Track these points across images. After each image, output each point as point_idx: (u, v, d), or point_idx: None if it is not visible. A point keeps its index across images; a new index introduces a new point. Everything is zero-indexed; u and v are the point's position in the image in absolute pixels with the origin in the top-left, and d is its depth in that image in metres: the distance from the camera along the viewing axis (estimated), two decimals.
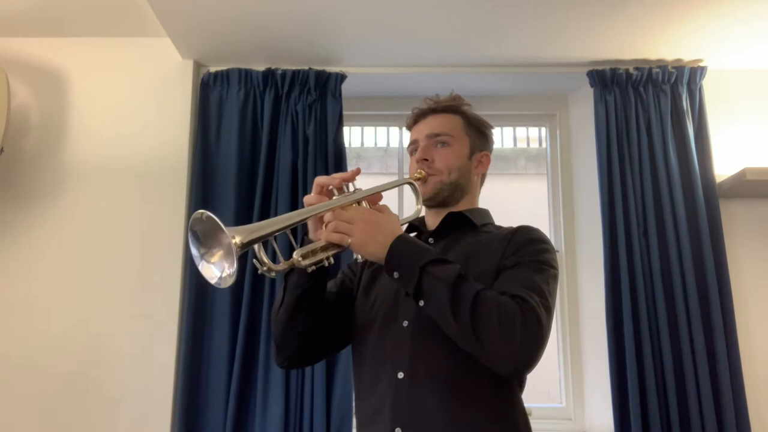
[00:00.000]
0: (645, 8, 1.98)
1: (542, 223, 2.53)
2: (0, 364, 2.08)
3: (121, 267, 2.15)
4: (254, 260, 1.03)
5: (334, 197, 1.14)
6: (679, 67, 2.27)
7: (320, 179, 1.16)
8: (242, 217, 2.17)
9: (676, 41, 2.19)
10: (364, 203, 1.16)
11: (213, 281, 0.99)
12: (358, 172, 1.17)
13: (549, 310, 1.08)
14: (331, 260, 1.11)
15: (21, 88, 2.30)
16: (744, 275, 2.18)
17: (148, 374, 2.07)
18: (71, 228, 2.19)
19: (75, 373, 2.07)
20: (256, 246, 1.01)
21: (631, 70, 2.28)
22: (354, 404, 1.28)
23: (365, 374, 1.22)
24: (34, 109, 2.30)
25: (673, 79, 2.26)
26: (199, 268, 1.00)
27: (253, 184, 2.21)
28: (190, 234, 1.00)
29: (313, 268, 1.09)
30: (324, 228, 1.10)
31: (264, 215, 2.17)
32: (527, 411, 1.19)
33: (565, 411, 2.33)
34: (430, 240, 1.30)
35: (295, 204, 2.18)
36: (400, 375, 1.13)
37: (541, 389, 2.47)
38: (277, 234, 1.03)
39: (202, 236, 0.99)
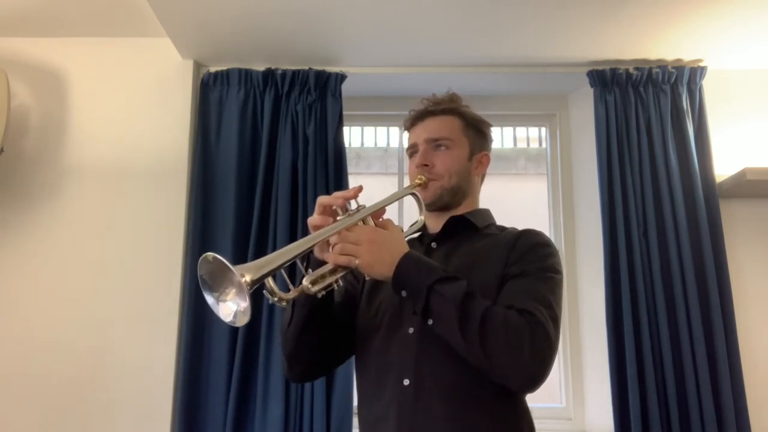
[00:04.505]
0: (645, 8, 1.98)
1: (542, 223, 2.52)
2: (0, 365, 2.08)
3: (121, 267, 2.15)
4: (264, 291, 1.02)
5: (338, 217, 1.13)
6: (679, 67, 2.27)
7: (323, 200, 1.14)
8: (242, 217, 2.17)
9: (676, 41, 2.19)
10: (369, 219, 1.15)
11: (228, 319, 0.99)
12: (360, 189, 1.15)
13: (556, 322, 1.09)
14: (340, 282, 1.11)
15: (21, 88, 2.29)
16: (744, 275, 2.18)
17: (148, 374, 2.07)
18: (71, 228, 2.19)
19: (75, 373, 2.07)
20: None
21: (631, 70, 2.27)
22: (357, 410, 1.27)
23: (370, 381, 1.21)
24: (34, 109, 2.29)
25: (673, 79, 2.26)
26: (215, 310, 1.01)
27: (253, 184, 2.21)
28: (199, 279, 1.00)
29: (323, 293, 1.09)
30: (330, 250, 1.09)
31: (264, 215, 2.17)
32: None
33: (565, 411, 2.33)
34: (433, 245, 1.30)
35: (295, 204, 2.18)
36: (406, 382, 1.13)
37: (541, 389, 2.46)
38: (286, 265, 1.03)
39: (211, 278, 0.99)
